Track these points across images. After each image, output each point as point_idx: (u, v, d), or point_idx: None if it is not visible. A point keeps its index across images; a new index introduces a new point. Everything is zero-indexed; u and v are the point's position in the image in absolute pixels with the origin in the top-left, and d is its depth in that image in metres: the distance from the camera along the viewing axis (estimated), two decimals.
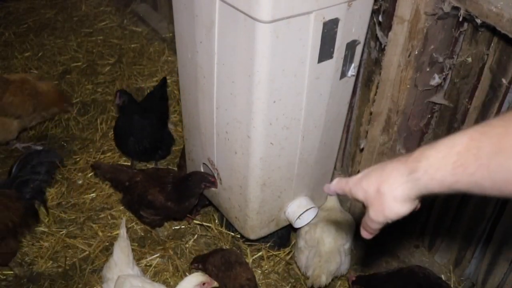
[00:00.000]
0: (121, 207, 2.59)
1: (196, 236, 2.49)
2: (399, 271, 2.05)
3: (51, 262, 2.34)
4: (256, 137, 1.73)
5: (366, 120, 2.21)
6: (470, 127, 0.74)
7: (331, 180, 2.27)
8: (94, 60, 3.70)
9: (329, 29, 1.55)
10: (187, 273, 2.27)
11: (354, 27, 1.65)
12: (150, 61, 3.71)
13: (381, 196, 0.83)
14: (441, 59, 1.80)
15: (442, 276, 2.18)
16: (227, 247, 2.41)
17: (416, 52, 1.75)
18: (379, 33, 1.92)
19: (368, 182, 0.86)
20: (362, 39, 1.74)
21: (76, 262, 2.34)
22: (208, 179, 2.15)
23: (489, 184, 0.70)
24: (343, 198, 2.38)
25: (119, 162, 2.85)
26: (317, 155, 2.00)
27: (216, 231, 2.47)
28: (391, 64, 1.85)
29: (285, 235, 2.43)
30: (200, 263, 2.18)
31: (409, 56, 1.77)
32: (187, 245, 2.45)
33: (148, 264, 2.34)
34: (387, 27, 1.85)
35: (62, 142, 3.03)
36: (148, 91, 3.24)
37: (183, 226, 2.55)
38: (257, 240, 2.29)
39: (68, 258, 2.36)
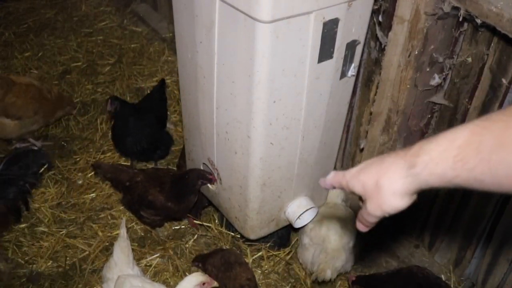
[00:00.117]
0: (121, 207, 2.59)
1: (196, 236, 2.49)
2: (398, 271, 2.05)
3: (51, 262, 2.34)
4: (256, 137, 1.73)
5: (366, 120, 2.21)
6: (471, 121, 0.73)
7: None
8: (94, 60, 3.70)
9: (329, 29, 1.55)
10: (187, 273, 2.27)
11: (354, 27, 1.65)
12: (150, 61, 3.71)
13: (380, 190, 0.82)
14: (441, 59, 1.80)
15: (442, 276, 2.18)
16: (227, 247, 2.41)
17: (416, 52, 1.75)
18: (379, 33, 1.92)
19: (367, 176, 0.85)
20: (362, 39, 1.74)
21: (76, 262, 2.34)
22: (205, 175, 2.15)
23: (490, 179, 0.69)
24: (349, 196, 2.37)
25: (119, 162, 2.85)
26: (317, 155, 2.00)
27: (216, 231, 2.47)
28: (391, 64, 1.85)
29: (285, 235, 2.43)
30: (200, 262, 2.18)
31: (409, 56, 1.77)
32: (187, 245, 2.45)
33: (148, 264, 2.34)
34: (387, 27, 1.85)
35: (62, 142, 3.03)
36: (148, 91, 3.24)
37: (183, 226, 2.55)
38: (257, 240, 2.29)
39: (68, 258, 2.36)
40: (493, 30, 1.59)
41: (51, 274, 2.29)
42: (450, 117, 1.95)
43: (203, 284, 1.85)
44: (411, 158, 0.78)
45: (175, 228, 2.54)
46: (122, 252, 2.03)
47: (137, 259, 2.33)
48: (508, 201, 1.85)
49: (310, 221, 2.14)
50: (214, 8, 1.56)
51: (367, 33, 1.78)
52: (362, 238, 2.35)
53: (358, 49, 1.76)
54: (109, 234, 2.48)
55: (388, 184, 0.81)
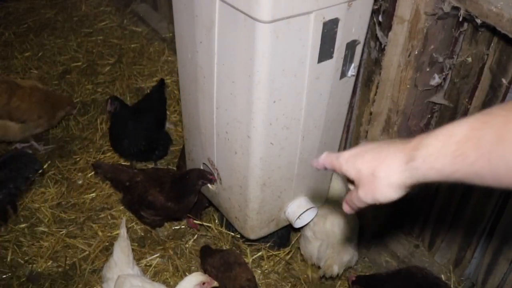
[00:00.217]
0: (121, 207, 2.59)
1: (196, 236, 2.49)
2: (398, 271, 2.06)
3: (51, 262, 2.34)
4: (256, 137, 1.73)
5: (366, 120, 2.21)
6: (471, 115, 0.73)
7: (331, 180, 2.29)
8: (94, 60, 3.70)
9: (329, 29, 1.55)
10: (187, 273, 2.27)
11: (354, 27, 1.65)
12: (150, 61, 3.71)
13: (375, 179, 0.82)
14: (441, 59, 1.80)
15: (442, 276, 2.18)
16: (227, 247, 2.41)
17: (416, 52, 1.75)
18: (379, 33, 1.92)
19: (363, 163, 0.84)
20: (362, 39, 1.74)
21: (76, 262, 2.34)
22: (206, 175, 2.15)
23: (489, 174, 0.68)
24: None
25: (119, 162, 2.85)
26: (317, 155, 2.00)
27: (216, 231, 2.47)
28: (391, 64, 1.85)
29: (285, 235, 2.43)
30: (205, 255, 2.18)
31: (409, 56, 1.77)
32: (187, 245, 2.45)
33: (148, 264, 2.34)
34: (387, 27, 1.85)
35: (62, 142, 3.03)
36: (148, 91, 3.24)
37: (183, 226, 2.55)
38: (257, 240, 2.29)
39: (68, 258, 2.36)
40: (493, 30, 1.59)
41: (51, 274, 2.30)
42: (450, 117, 1.95)
43: (203, 283, 1.84)
44: (410, 152, 0.77)
45: (175, 228, 2.54)
46: (122, 252, 2.03)
47: (137, 259, 2.33)
48: (508, 200, 1.85)
49: (310, 221, 2.14)
50: (214, 8, 1.56)
51: (367, 33, 1.78)
52: (363, 240, 2.35)
53: (358, 49, 1.76)
54: (109, 234, 2.48)
55: (385, 176, 0.81)
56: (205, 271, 2.11)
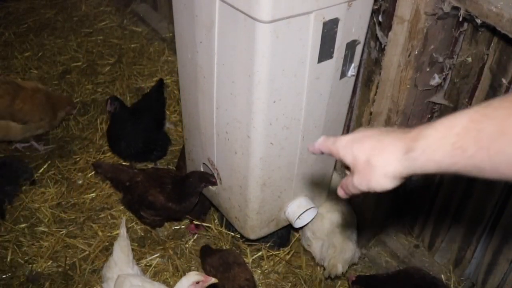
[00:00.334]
0: (121, 207, 2.59)
1: (196, 236, 2.49)
2: (399, 272, 2.07)
3: (51, 262, 2.34)
4: (256, 137, 1.73)
5: (366, 120, 2.21)
6: (471, 107, 0.72)
7: (331, 180, 2.29)
8: (94, 60, 3.70)
9: (329, 29, 1.55)
10: (186, 273, 2.26)
11: (354, 27, 1.65)
12: (150, 61, 3.71)
13: (371, 168, 0.81)
14: (441, 59, 1.80)
15: (442, 276, 2.18)
16: (227, 247, 2.41)
17: (416, 52, 1.75)
18: (379, 33, 1.92)
19: (360, 149, 0.83)
20: (362, 39, 1.74)
21: (76, 262, 2.34)
22: (208, 178, 2.15)
23: (489, 167, 0.68)
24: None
25: (119, 162, 2.85)
26: (317, 155, 2.00)
27: (216, 231, 2.47)
28: (391, 64, 1.85)
29: (285, 235, 2.43)
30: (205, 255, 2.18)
31: (409, 56, 1.77)
32: (187, 245, 2.45)
33: (148, 264, 2.34)
34: (387, 27, 1.85)
35: (62, 142, 3.03)
36: (148, 91, 3.24)
37: (183, 226, 2.55)
38: (257, 240, 2.29)
39: (68, 258, 2.36)
40: (493, 30, 1.59)
41: (51, 274, 2.30)
42: None
43: (197, 283, 1.81)
44: (409, 142, 0.76)
45: (175, 228, 2.54)
46: (122, 251, 2.03)
47: (137, 259, 2.33)
48: (508, 200, 1.85)
49: (310, 221, 2.14)
50: (214, 8, 1.56)
51: (367, 33, 1.78)
52: (363, 240, 2.35)
53: (358, 49, 1.76)
54: (109, 234, 2.48)
55: (382, 165, 0.80)
56: (204, 271, 2.11)
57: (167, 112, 3.19)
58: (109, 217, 2.58)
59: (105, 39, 3.93)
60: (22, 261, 2.34)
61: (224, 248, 2.39)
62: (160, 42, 3.89)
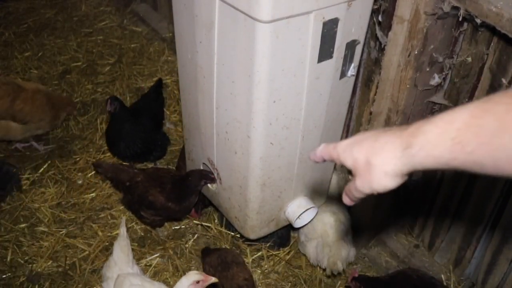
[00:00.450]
0: (121, 207, 2.59)
1: (196, 236, 2.49)
2: (398, 273, 2.06)
3: (51, 261, 2.34)
4: (256, 137, 1.73)
5: (366, 120, 2.21)
6: (471, 102, 0.71)
7: (330, 181, 2.29)
8: (94, 60, 3.70)
9: (329, 29, 1.55)
10: (186, 273, 2.26)
11: (354, 27, 1.65)
12: (150, 61, 3.71)
13: (371, 168, 0.80)
14: (441, 59, 1.80)
15: (442, 276, 2.18)
16: (227, 247, 2.41)
17: (416, 52, 1.75)
18: (379, 33, 1.92)
19: (359, 151, 0.83)
20: (362, 39, 1.74)
21: (76, 262, 2.34)
22: (208, 175, 2.15)
23: (490, 163, 0.67)
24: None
25: (119, 162, 2.85)
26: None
27: (216, 231, 2.47)
28: (391, 64, 1.85)
29: (285, 235, 2.43)
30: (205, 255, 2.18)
31: (409, 56, 1.77)
32: (187, 245, 2.45)
33: (148, 264, 2.34)
34: (387, 27, 1.85)
35: (62, 142, 3.03)
36: (147, 91, 3.24)
37: (183, 226, 2.55)
38: (257, 240, 2.29)
39: (68, 258, 2.36)
40: (493, 30, 1.59)
41: (51, 274, 2.30)
42: None
43: (197, 282, 1.81)
44: (407, 138, 0.75)
45: (175, 228, 2.54)
46: (121, 251, 2.03)
47: (137, 259, 2.33)
48: (508, 200, 1.85)
49: (310, 221, 2.14)
50: (214, 8, 1.56)
51: (367, 33, 1.78)
52: (362, 240, 2.35)
53: (358, 49, 1.76)
54: (109, 234, 2.48)
55: (381, 164, 0.79)
56: (204, 271, 2.11)
57: (167, 112, 3.19)
58: (109, 217, 2.58)
59: (105, 39, 3.93)
60: (22, 261, 2.34)
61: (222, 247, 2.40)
62: (160, 42, 3.89)
